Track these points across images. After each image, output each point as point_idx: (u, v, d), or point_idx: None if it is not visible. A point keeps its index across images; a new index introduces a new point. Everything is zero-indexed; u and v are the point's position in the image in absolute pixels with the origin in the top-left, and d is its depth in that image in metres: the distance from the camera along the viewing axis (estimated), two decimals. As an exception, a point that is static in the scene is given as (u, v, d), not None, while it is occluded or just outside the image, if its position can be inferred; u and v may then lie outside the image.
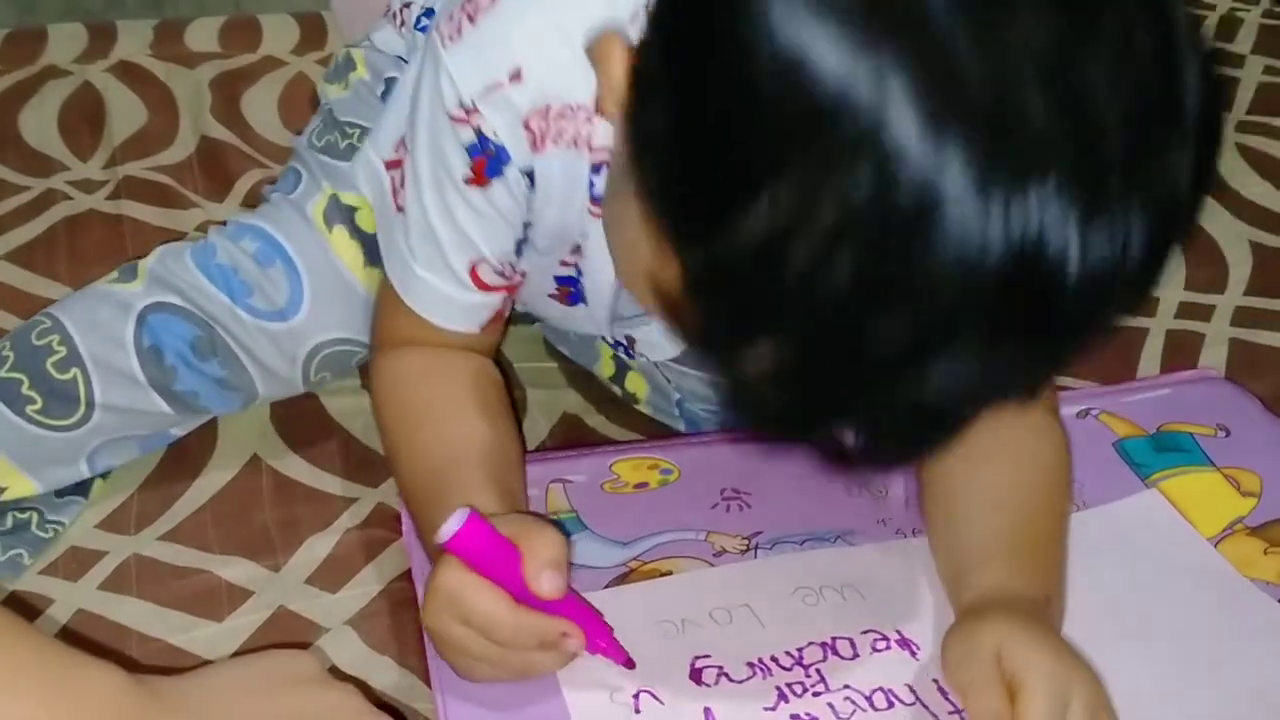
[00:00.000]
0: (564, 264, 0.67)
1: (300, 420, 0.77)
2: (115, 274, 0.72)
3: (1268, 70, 1.15)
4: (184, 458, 0.74)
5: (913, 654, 0.60)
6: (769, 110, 0.40)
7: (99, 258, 0.88)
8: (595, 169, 0.60)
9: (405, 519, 0.67)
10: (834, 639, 0.60)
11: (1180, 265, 0.93)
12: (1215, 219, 0.97)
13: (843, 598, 0.62)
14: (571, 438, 0.78)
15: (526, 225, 0.64)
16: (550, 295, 0.69)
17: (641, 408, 0.78)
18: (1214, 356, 0.85)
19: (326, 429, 0.77)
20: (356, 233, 0.72)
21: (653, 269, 0.48)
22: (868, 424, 0.46)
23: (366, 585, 0.68)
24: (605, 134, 0.59)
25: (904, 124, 0.38)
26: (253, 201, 0.95)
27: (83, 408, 0.68)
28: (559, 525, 0.65)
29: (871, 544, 0.65)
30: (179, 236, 0.90)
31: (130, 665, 0.51)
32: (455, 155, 0.60)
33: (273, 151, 1.00)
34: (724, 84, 0.42)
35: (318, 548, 0.70)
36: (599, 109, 0.54)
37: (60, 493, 0.70)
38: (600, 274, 0.65)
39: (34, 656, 0.42)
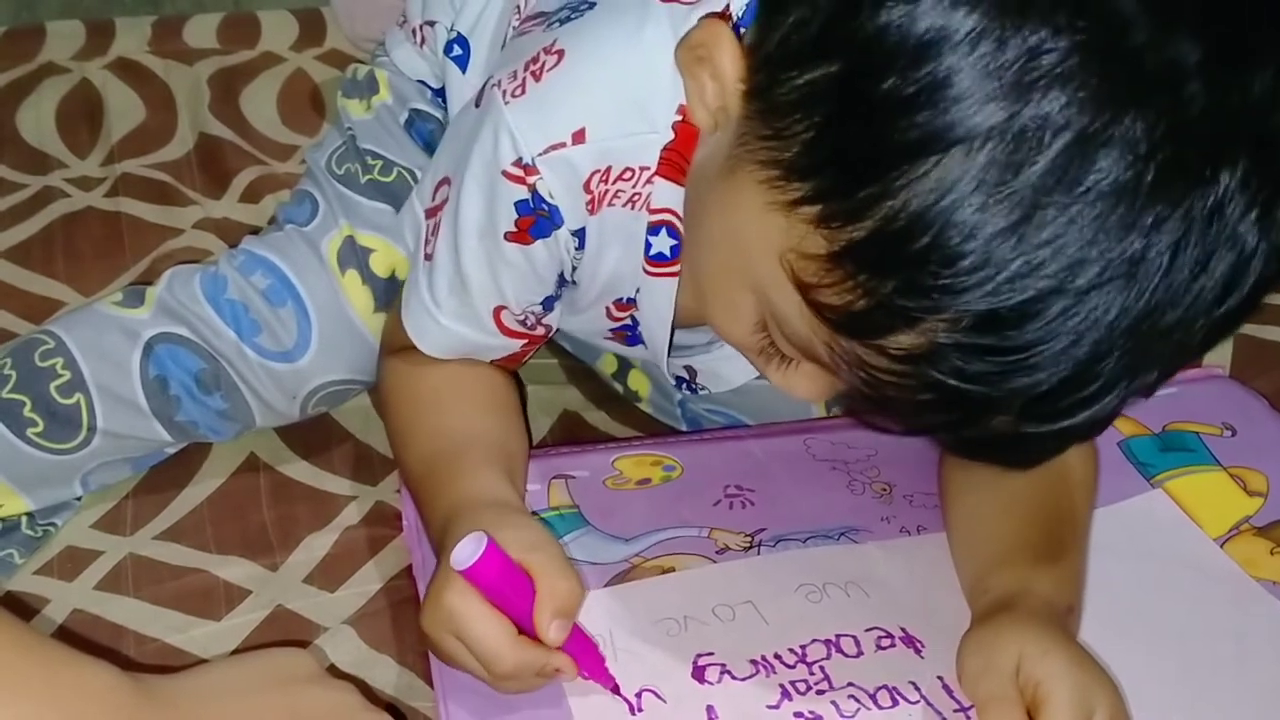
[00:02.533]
0: (613, 315, 0.67)
1: (301, 425, 0.76)
2: (120, 296, 0.72)
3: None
4: (180, 458, 0.74)
5: (918, 652, 0.60)
6: (960, 71, 0.43)
7: (96, 255, 0.88)
8: (653, 230, 0.60)
9: (406, 515, 0.67)
10: (838, 636, 0.60)
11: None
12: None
13: (847, 595, 0.62)
14: (571, 435, 0.78)
15: (563, 282, 0.64)
16: (607, 338, 0.69)
17: (643, 406, 0.78)
18: (1219, 353, 0.85)
19: (325, 428, 0.77)
20: (370, 278, 0.72)
21: (763, 267, 0.49)
22: (1028, 415, 0.47)
23: (365, 584, 0.67)
24: (664, 196, 0.59)
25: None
26: (251, 198, 0.94)
27: (84, 432, 0.68)
28: (554, 523, 0.65)
29: (876, 541, 0.65)
30: (177, 234, 0.90)
31: (127, 665, 0.50)
32: (502, 210, 0.60)
33: (272, 148, 1.00)
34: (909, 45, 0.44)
35: (316, 547, 0.69)
36: (667, 164, 0.57)
37: None
38: (654, 329, 0.65)
39: (27, 655, 0.42)
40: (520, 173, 0.59)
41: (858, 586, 0.62)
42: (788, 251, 0.48)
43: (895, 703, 0.57)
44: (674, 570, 0.63)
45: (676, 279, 0.62)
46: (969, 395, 0.46)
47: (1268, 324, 0.87)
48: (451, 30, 0.74)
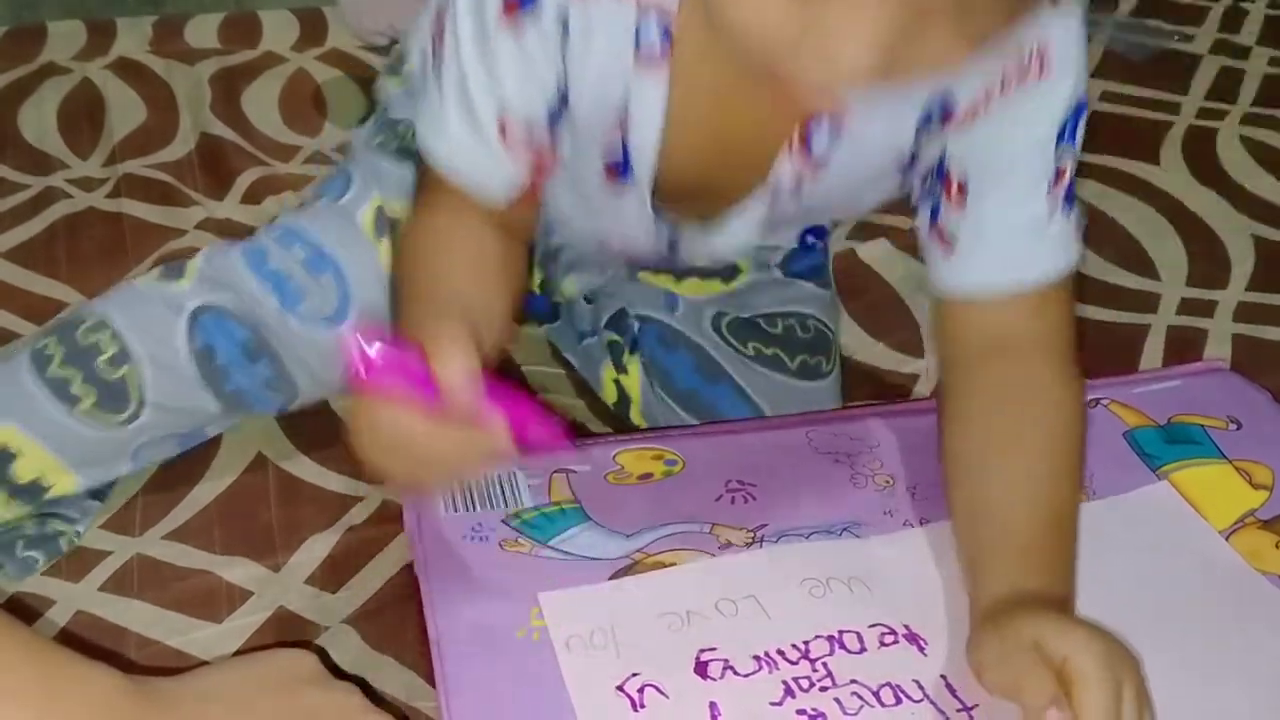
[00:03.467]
0: (609, 144, 0.65)
1: (307, 419, 0.77)
2: (157, 272, 0.72)
3: (1273, 62, 1.14)
4: (189, 458, 0.74)
5: (920, 649, 0.59)
6: None
7: (99, 256, 0.88)
8: (642, 17, 0.59)
9: (407, 512, 0.67)
10: (841, 632, 0.60)
11: (1183, 260, 0.93)
12: (1218, 213, 0.97)
13: (850, 590, 0.62)
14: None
15: (563, 95, 0.62)
16: (599, 175, 0.67)
17: (633, 414, 0.78)
18: (1217, 353, 0.85)
19: (333, 428, 0.77)
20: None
21: None
22: None
23: (367, 584, 0.68)
24: None
25: None
26: (253, 199, 0.94)
27: (133, 405, 0.68)
28: (556, 518, 0.65)
29: (879, 536, 0.65)
30: (179, 235, 0.90)
31: (128, 667, 0.51)
32: None
33: (273, 148, 1.00)
34: None
35: (319, 547, 0.70)
36: None
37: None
38: (649, 128, 0.62)
39: (27, 659, 0.42)
40: None
41: (861, 582, 0.62)
42: None
43: (899, 701, 0.57)
44: (676, 565, 0.63)
45: (667, 73, 0.60)
46: None
47: (1266, 324, 0.88)
48: None
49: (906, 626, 0.60)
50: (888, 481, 0.69)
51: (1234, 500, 0.68)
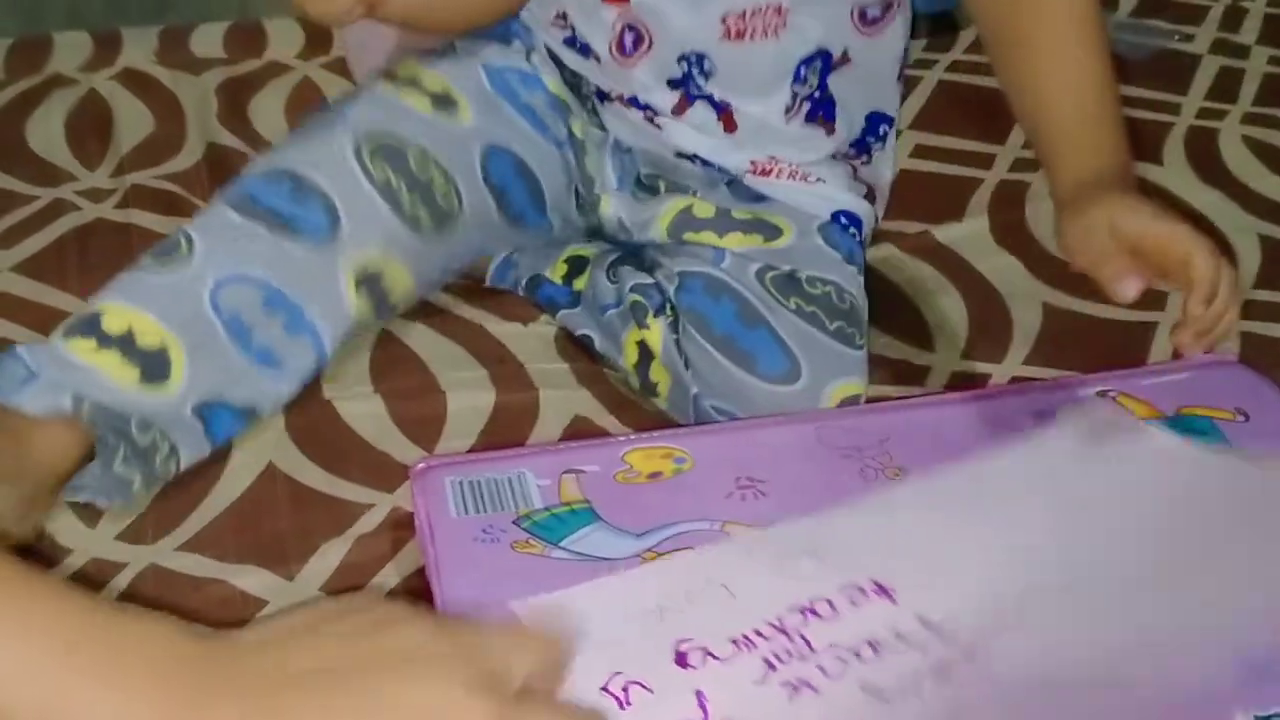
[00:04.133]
0: None
1: (316, 428, 0.77)
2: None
3: (1272, 61, 1.14)
4: (200, 467, 0.74)
5: (891, 599, 0.59)
6: None
7: (108, 267, 0.88)
8: None
9: (419, 515, 0.67)
10: (811, 601, 0.59)
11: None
12: (1223, 213, 0.97)
13: (819, 559, 0.61)
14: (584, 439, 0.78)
15: None
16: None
17: (659, 403, 0.79)
18: (1224, 351, 0.85)
19: (341, 435, 0.77)
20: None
21: None
22: None
23: (380, 591, 0.68)
24: None
25: None
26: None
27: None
28: (566, 519, 0.66)
29: (846, 506, 0.64)
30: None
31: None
32: None
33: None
34: None
35: (332, 554, 0.70)
36: None
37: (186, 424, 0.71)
38: None
39: (83, 621, 0.40)
40: None
41: (828, 549, 0.61)
42: None
43: (877, 652, 0.57)
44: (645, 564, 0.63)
45: None
46: None
47: (1274, 321, 0.88)
48: None
49: (874, 582, 0.60)
50: (898, 473, 0.69)
51: None
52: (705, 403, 0.76)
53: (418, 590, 0.66)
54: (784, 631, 0.58)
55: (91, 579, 0.68)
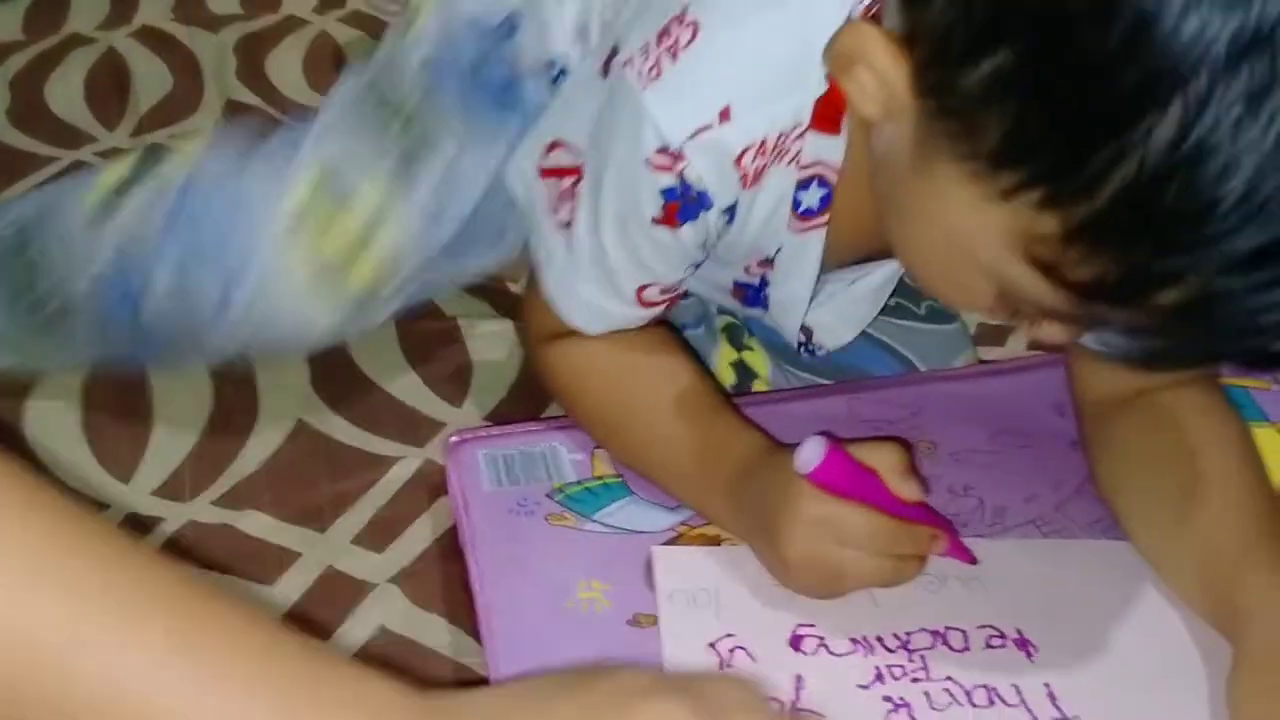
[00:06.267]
0: (749, 272, 0.65)
1: (340, 382, 0.78)
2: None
3: None
4: (229, 425, 0.75)
5: (1029, 656, 0.58)
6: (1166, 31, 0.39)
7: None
8: (802, 185, 0.59)
9: (452, 482, 0.68)
10: (946, 629, 0.59)
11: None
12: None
13: (968, 590, 0.61)
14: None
15: (710, 247, 0.61)
16: (726, 289, 0.68)
17: (759, 385, 0.77)
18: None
19: (366, 389, 0.78)
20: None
21: (992, 254, 0.47)
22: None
23: (413, 544, 0.69)
24: (816, 149, 0.57)
25: None
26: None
27: None
28: (599, 492, 0.66)
29: (1010, 540, 0.64)
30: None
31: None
32: (648, 199, 0.58)
33: (299, 113, 1.00)
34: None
35: (364, 508, 0.71)
36: (821, 117, 0.55)
37: None
38: (792, 286, 0.64)
39: (298, 672, 0.38)
40: (667, 161, 0.56)
41: (980, 582, 0.61)
42: (1018, 237, 0.45)
43: (991, 703, 0.56)
44: (719, 537, 0.63)
45: (824, 231, 0.60)
46: (1251, 328, 0.43)
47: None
48: None
49: (1019, 632, 0.59)
50: (930, 446, 0.69)
51: (1277, 462, 0.66)
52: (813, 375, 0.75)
53: (451, 551, 0.67)
54: (907, 648, 0.58)
55: (129, 535, 0.69)
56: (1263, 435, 0.69)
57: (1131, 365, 0.50)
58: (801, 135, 0.57)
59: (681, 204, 0.58)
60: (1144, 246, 0.43)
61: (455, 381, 0.78)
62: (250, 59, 1.05)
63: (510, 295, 0.83)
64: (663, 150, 0.56)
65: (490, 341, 0.81)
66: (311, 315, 0.66)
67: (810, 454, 0.55)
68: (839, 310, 0.68)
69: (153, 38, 1.07)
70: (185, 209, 0.66)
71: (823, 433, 0.56)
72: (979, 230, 0.47)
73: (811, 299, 0.66)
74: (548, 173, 0.63)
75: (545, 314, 0.65)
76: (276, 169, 0.67)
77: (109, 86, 1.02)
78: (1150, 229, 0.42)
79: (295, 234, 0.65)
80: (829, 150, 0.58)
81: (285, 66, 1.05)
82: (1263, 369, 0.48)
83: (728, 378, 0.76)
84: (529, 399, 0.76)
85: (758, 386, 0.76)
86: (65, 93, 1.01)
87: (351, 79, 0.72)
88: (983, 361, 0.78)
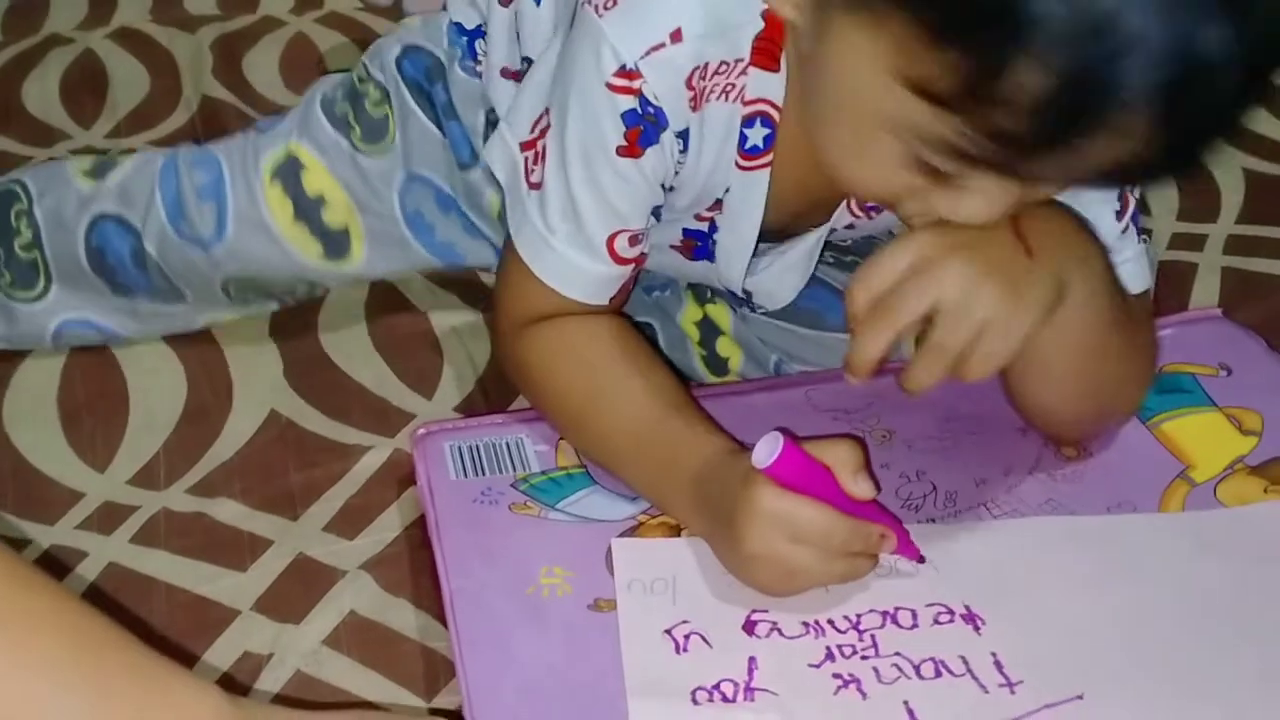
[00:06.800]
0: (699, 219, 0.68)
1: (312, 373, 0.79)
2: (89, 165, 0.80)
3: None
4: (204, 414, 0.77)
5: (976, 629, 0.60)
6: None
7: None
8: (747, 122, 0.62)
9: (420, 468, 0.69)
10: (896, 609, 0.61)
11: (1173, 195, 0.94)
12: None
13: (918, 572, 0.62)
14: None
15: (668, 190, 0.64)
16: (673, 246, 0.70)
17: (731, 378, 0.78)
18: (1207, 285, 0.86)
19: (338, 380, 0.79)
20: (295, 191, 0.77)
21: (879, 89, 0.50)
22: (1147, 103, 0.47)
23: (383, 531, 0.70)
24: (758, 85, 0.61)
25: None
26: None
27: (41, 284, 0.78)
28: (562, 482, 0.68)
29: (961, 523, 0.65)
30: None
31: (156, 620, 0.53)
32: (610, 125, 0.61)
33: (275, 111, 1.01)
34: None
35: (335, 496, 0.72)
36: (760, 53, 0.59)
37: None
38: (740, 228, 0.66)
39: (127, 675, 0.42)
40: (624, 81, 0.60)
41: (930, 564, 0.63)
42: (896, 62, 0.50)
43: (938, 674, 0.58)
44: (678, 527, 0.64)
45: (769, 171, 0.63)
46: (1102, 97, 0.47)
47: (1253, 255, 0.89)
48: None
49: (967, 607, 0.61)
50: (886, 435, 0.71)
51: (1223, 447, 0.69)
52: (789, 367, 0.77)
53: (420, 539, 0.68)
54: (857, 628, 0.60)
55: (105, 522, 0.71)
56: (1209, 419, 0.71)
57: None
58: (744, 70, 0.60)
59: (643, 127, 0.61)
60: (988, 33, 0.47)
61: (426, 373, 0.80)
62: (227, 58, 1.06)
63: (481, 288, 0.85)
64: (621, 71, 0.60)
65: (461, 334, 0.82)
66: (297, 248, 0.77)
67: (766, 449, 0.56)
68: (774, 276, 0.71)
69: (130, 38, 1.08)
70: (176, 165, 0.78)
71: (781, 429, 0.58)
72: (867, 71, 0.51)
73: (748, 272, 0.68)
74: (529, 144, 0.65)
75: (516, 299, 0.67)
76: (256, 143, 0.78)
77: (85, 86, 1.03)
78: (989, 15, 0.46)
79: (274, 181, 0.76)
80: (770, 87, 0.61)
81: (262, 66, 1.06)
82: (1146, 176, 0.54)
83: (693, 334, 0.79)
84: (499, 391, 0.78)
85: (722, 342, 0.78)
86: (41, 92, 1.03)
87: (330, 79, 0.79)
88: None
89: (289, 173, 0.77)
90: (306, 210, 0.77)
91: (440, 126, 0.77)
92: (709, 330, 0.78)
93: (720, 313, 0.78)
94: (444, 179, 0.78)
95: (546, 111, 0.64)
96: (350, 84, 0.79)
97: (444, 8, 0.78)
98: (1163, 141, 0.49)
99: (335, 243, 0.78)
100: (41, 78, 1.04)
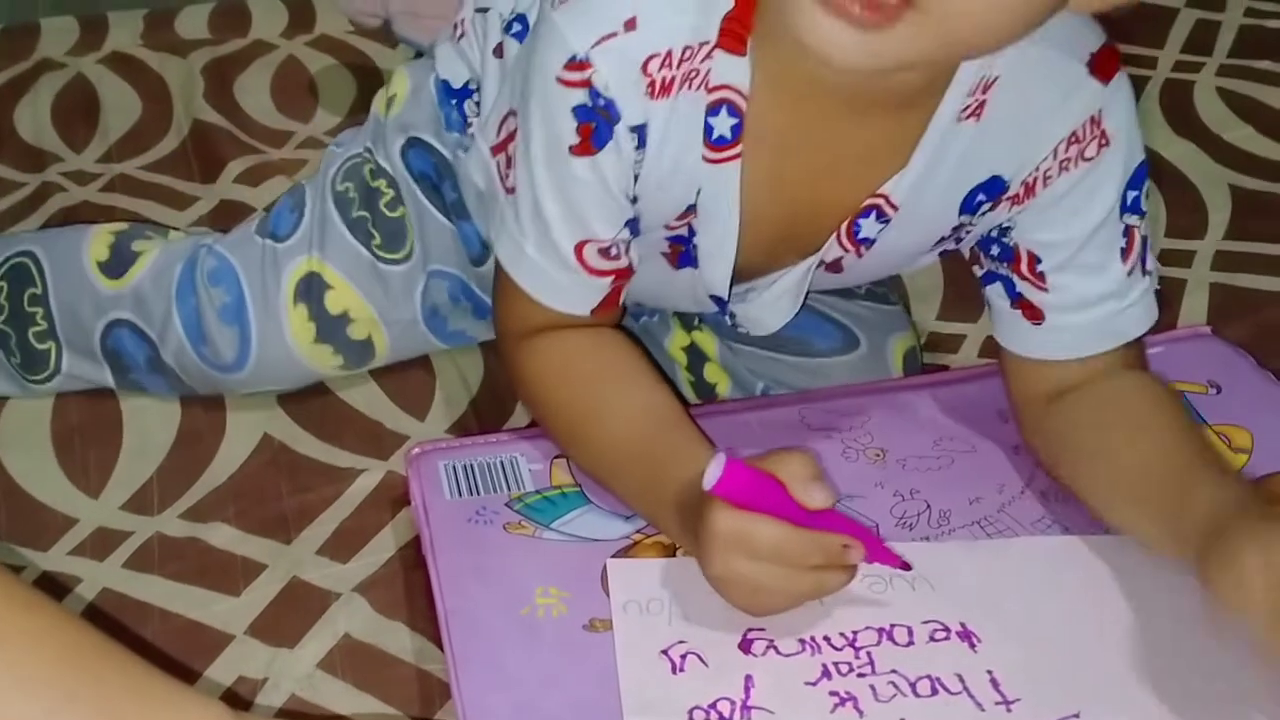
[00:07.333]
0: (675, 226, 0.66)
1: (305, 396, 0.79)
2: (106, 256, 0.78)
3: (1249, 13, 1.15)
4: (198, 439, 0.77)
5: (972, 646, 0.60)
6: None
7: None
8: (713, 110, 0.59)
9: (414, 493, 0.69)
10: (892, 626, 0.61)
11: (1161, 212, 0.94)
12: (1195, 164, 0.98)
13: (913, 588, 0.63)
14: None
15: (634, 201, 0.63)
16: (662, 254, 0.69)
17: (710, 367, 0.78)
18: (1195, 301, 0.87)
19: (330, 404, 0.79)
20: (319, 313, 0.75)
21: None
22: None
23: (377, 554, 0.70)
24: (724, 71, 0.58)
25: None
26: (250, 180, 0.96)
27: (49, 371, 0.78)
28: (557, 501, 0.68)
29: (955, 541, 0.65)
30: (171, 227, 0.91)
31: (151, 645, 0.52)
32: (564, 124, 0.59)
33: (266, 135, 1.02)
34: None
35: (329, 519, 0.72)
36: (727, 35, 0.56)
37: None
38: (717, 228, 0.64)
39: (126, 688, 0.42)
40: (574, 74, 0.58)
41: (925, 581, 0.63)
42: None
43: (935, 692, 0.58)
44: (673, 546, 0.64)
45: (739, 163, 0.61)
46: None
47: (1241, 271, 0.89)
48: (512, 13, 0.72)
49: (963, 624, 0.61)
50: (878, 454, 0.71)
51: None
52: (776, 392, 0.76)
53: (414, 560, 0.68)
54: (853, 645, 0.60)
55: (98, 548, 0.71)
56: (1199, 438, 0.72)
57: None
58: (710, 55, 0.58)
59: (595, 123, 0.59)
60: None
61: (418, 395, 0.80)
62: (218, 83, 1.06)
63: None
64: (570, 62, 0.58)
65: (453, 355, 0.82)
66: (317, 365, 0.77)
67: (713, 470, 0.56)
68: (762, 305, 0.70)
69: (122, 63, 1.09)
70: (193, 279, 0.75)
71: (727, 450, 0.57)
72: None
73: (737, 302, 0.68)
74: (499, 147, 0.65)
75: (512, 311, 0.67)
76: (275, 256, 0.75)
77: (77, 111, 1.03)
78: None
79: (297, 304, 0.75)
80: (735, 72, 0.58)
81: (254, 90, 1.06)
82: None
83: (681, 360, 0.78)
84: (491, 412, 0.78)
85: (709, 369, 0.78)
86: (33, 118, 1.03)
87: (337, 159, 0.77)
88: (925, 370, 0.80)
89: (313, 293, 0.75)
90: (330, 330, 0.75)
91: (451, 219, 0.76)
92: (695, 356, 0.79)
93: (706, 339, 0.78)
94: (457, 268, 0.77)
95: (512, 113, 0.63)
96: (362, 178, 0.76)
97: (433, 56, 0.77)
98: None
99: (357, 353, 0.77)
100: (33, 102, 1.04)
